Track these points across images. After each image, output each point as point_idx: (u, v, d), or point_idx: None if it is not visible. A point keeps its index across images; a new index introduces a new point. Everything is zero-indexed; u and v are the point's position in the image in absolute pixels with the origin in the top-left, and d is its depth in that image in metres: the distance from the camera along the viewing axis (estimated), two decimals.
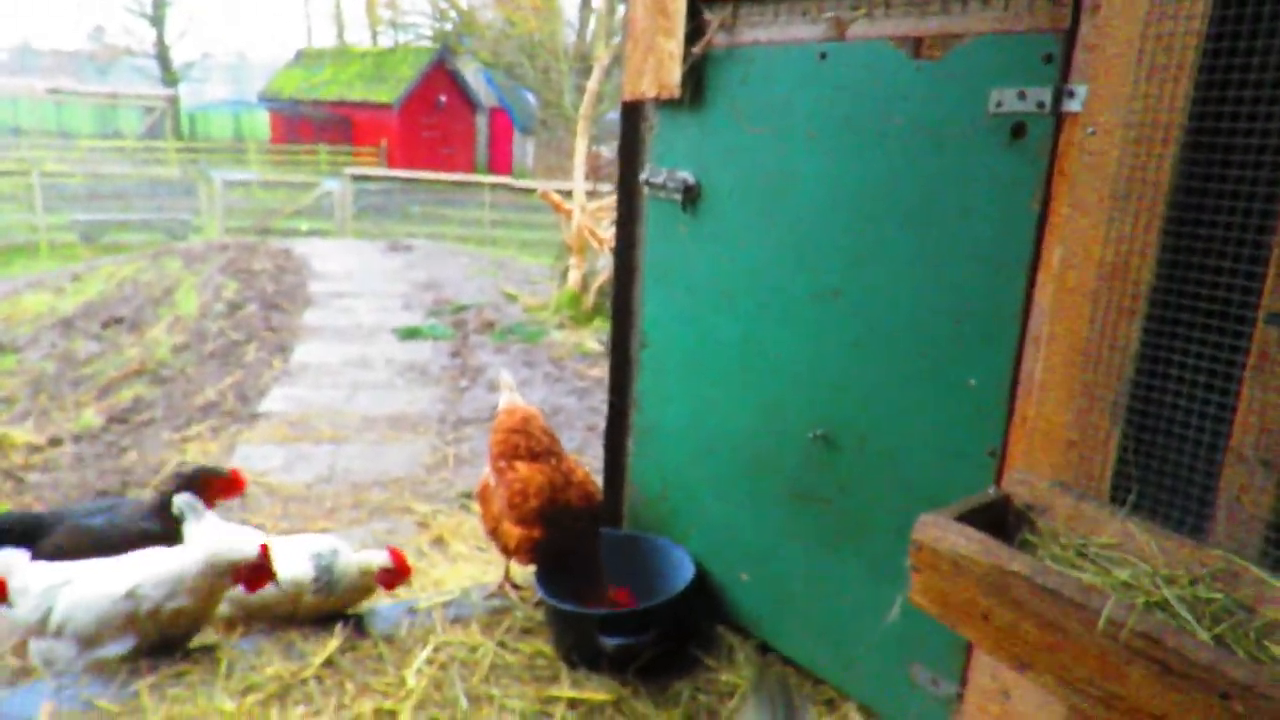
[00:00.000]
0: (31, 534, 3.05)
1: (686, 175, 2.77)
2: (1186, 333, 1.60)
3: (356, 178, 21.18)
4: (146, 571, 2.64)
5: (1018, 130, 1.93)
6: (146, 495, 3.37)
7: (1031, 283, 1.95)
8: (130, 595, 2.60)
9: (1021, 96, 1.90)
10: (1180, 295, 1.61)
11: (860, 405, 2.40)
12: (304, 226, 19.44)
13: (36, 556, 2.96)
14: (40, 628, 2.61)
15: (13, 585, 2.66)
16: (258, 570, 2.62)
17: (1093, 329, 1.74)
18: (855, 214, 2.34)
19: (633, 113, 3.00)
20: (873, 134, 2.26)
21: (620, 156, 3.04)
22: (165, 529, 3.04)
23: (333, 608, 2.96)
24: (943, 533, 1.69)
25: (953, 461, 2.18)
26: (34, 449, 6.43)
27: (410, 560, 4.23)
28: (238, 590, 2.70)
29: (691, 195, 2.77)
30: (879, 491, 2.38)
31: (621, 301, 3.19)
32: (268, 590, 2.71)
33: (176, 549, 2.83)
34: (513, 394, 3.23)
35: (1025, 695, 1.97)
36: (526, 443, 2.94)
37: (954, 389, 2.14)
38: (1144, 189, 1.63)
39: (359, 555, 3.00)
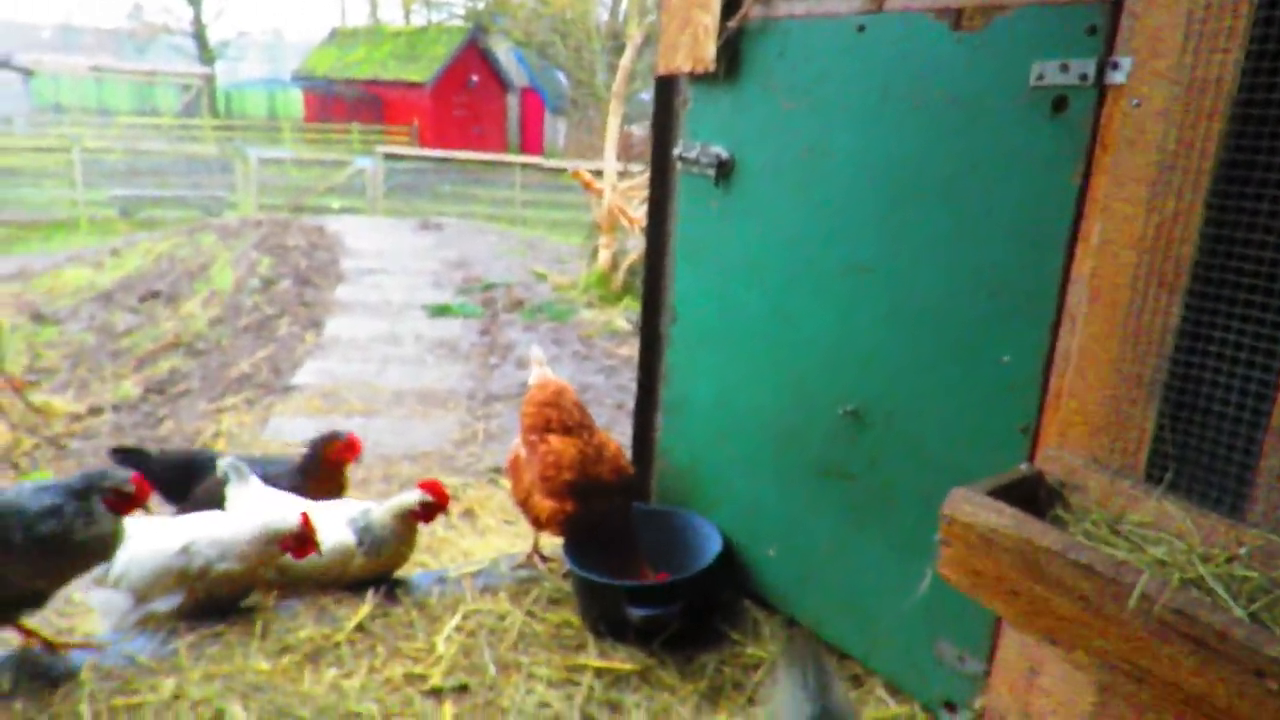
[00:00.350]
0: (196, 475, 3.40)
1: (720, 150, 2.76)
2: (1229, 309, 1.58)
3: (388, 156, 21.29)
4: (202, 532, 2.72)
5: (1059, 104, 1.90)
6: (297, 457, 3.63)
7: (1070, 258, 1.92)
8: (184, 551, 2.67)
9: (1064, 69, 1.87)
10: (1223, 270, 1.59)
11: (890, 381, 2.39)
12: (336, 204, 19.60)
13: (192, 498, 3.30)
14: (103, 578, 2.69)
15: None
16: (302, 538, 2.68)
17: (1132, 304, 1.72)
18: (890, 189, 2.32)
19: (667, 87, 2.99)
20: (910, 108, 2.23)
21: (653, 132, 3.03)
22: (307, 489, 3.30)
23: (382, 568, 3.00)
24: (974, 507, 1.69)
25: (983, 438, 2.17)
26: (75, 417, 6.59)
27: (439, 531, 4.29)
28: (287, 559, 2.76)
29: (724, 170, 2.76)
30: (907, 468, 2.38)
31: (652, 277, 3.19)
32: (316, 557, 2.76)
33: (230, 515, 2.91)
34: (544, 368, 3.24)
35: (1054, 673, 1.96)
36: (559, 416, 2.95)
37: (987, 365, 2.13)
38: (1189, 162, 1.60)
39: (390, 502, 3.02)
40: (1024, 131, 1.98)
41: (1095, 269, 1.78)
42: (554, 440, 2.90)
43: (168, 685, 2.40)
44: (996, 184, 2.06)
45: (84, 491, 2.36)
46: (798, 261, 2.59)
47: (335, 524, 2.93)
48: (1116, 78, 1.78)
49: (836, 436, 2.55)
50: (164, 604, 2.70)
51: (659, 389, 3.25)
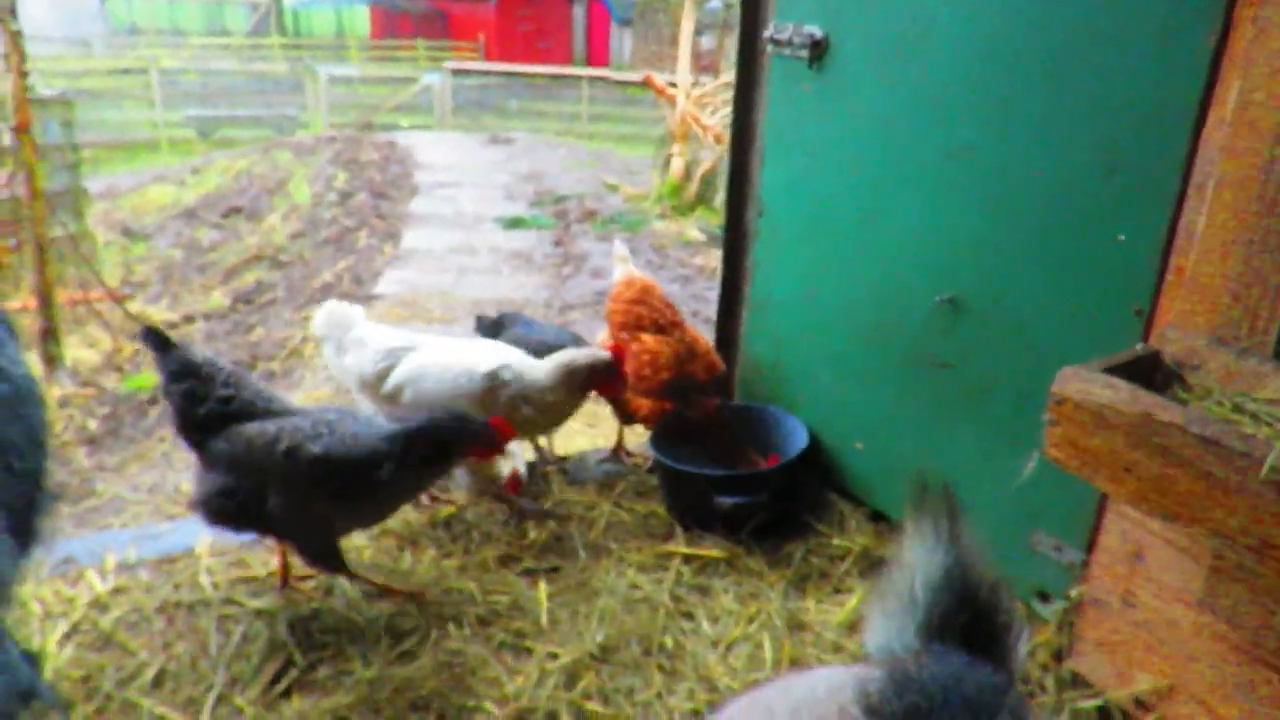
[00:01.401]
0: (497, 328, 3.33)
1: (813, 29, 2.64)
2: None
3: (455, 72, 21.13)
4: (510, 357, 2.66)
5: None
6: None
7: (1199, 125, 1.79)
8: (491, 376, 2.61)
9: None
10: None
11: (992, 267, 2.30)
12: (405, 121, 19.61)
13: None
14: (374, 384, 2.65)
15: (350, 337, 2.74)
16: (611, 370, 2.66)
17: (1270, 170, 1.60)
18: (996, 62, 2.19)
19: None
20: None
21: (742, 12, 2.92)
22: None
23: None
24: (1086, 384, 1.63)
25: (1093, 323, 2.08)
26: (170, 325, 6.85)
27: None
28: None
29: (818, 50, 2.64)
30: (1008, 356, 2.31)
31: (737, 168, 3.11)
32: None
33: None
34: (628, 265, 3.22)
35: (1159, 557, 1.92)
36: (650, 314, 2.93)
37: (1100, 246, 2.03)
38: None
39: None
40: None
41: (1230, 133, 1.66)
42: (648, 339, 2.89)
43: (276, 561, 2.53)
44: (1117, 52, 1.92)
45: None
46: (895, 144, 2.49)
47: None
48: None
49: (931, 326, 2.49)
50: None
51: (743, 285, 3.21)
